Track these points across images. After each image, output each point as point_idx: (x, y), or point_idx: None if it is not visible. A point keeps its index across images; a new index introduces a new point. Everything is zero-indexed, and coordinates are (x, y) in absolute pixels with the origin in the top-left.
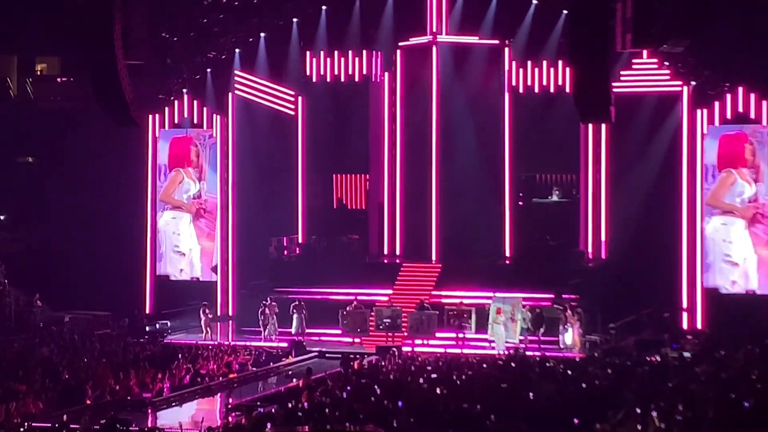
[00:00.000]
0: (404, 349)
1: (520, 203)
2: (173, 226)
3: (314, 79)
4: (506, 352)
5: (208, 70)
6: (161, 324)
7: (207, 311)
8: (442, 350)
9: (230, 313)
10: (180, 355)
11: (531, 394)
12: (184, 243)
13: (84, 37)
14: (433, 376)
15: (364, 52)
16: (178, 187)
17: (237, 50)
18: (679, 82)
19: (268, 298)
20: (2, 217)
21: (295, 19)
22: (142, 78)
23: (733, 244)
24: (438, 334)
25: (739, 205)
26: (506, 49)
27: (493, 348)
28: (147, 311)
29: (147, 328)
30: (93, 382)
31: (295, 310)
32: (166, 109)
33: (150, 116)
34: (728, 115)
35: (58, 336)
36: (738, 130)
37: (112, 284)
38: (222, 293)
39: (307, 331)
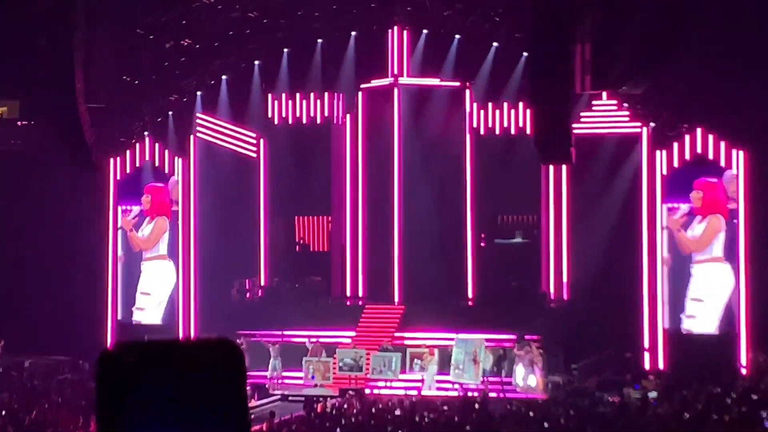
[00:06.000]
0: (367, 391)
1: (482, 244)
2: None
3: (276, 122)
4: (468, 394)
5: (170, 112)
6: None
7: None
8: (405, 392)
9: None
10: None
11: None
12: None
13: (45, 81)
14: (396, 418)
15: (326, 94)
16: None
17: (199, 93)
18: (639, 124)
19: (239, 339)
20: None
21: (256, 62)
22: (103, 121)
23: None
24: (401, 376)
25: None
26: (467, 91)
27: (456, 390)
28: None
29: None
30: (54, 428)
31: (272, 349)
32: (127, 152)
33: (111, 159)
34: (687, 156)
35: (18, 381)
36: (718, 178)
37: (73, 329)
38: (184, 337)
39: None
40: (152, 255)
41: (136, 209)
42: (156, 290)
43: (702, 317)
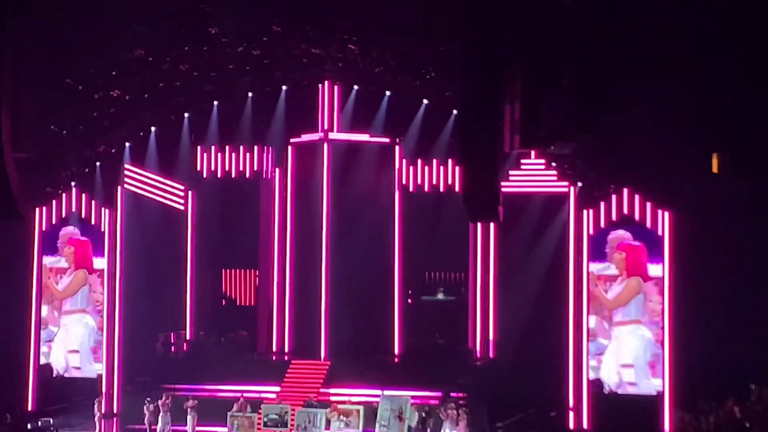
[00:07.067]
0: None
1: (409, 301)
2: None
3: (205, 175)
4: None
5: (98, 163)
6: (44, 421)
7: (100, 405)
8: None
9: (115, 410)
10: None
11: None
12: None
13: None
14: None
15: (256, 147)
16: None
17: (127, 144)
18: (566, 183)
19: (164, 395)
20: None
21: (186, 114)
22: (29, 171)
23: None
24: None
25: (642, 312)
26: (397, 148)
27: None
28: (29, 408)
29: (29, 426)
30: None
31: (189, 409)
32: (54, 202)
33: (37, 209)
34: (614, 217)
35: None
36: (641, 243)
37: None
38: (107, 389)
39: (196, 429)
40: (71, 308)
41: (56, 260)
42: (77, 345)
43: (630, 379)
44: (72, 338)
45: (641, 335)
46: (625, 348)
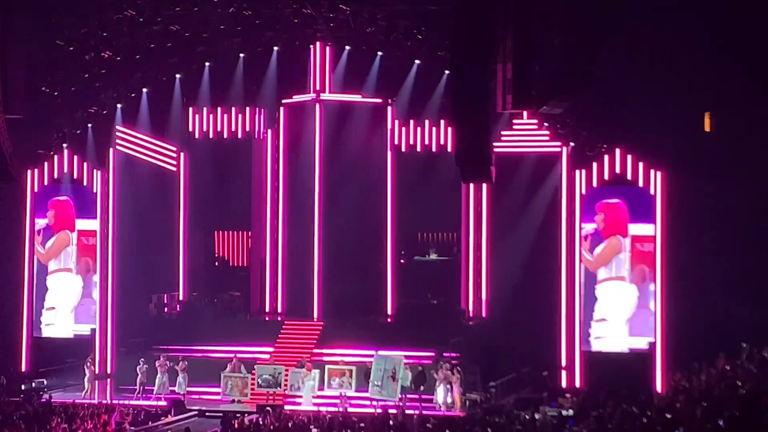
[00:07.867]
0: (285, 407)
1: (402, 261)
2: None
3: (197, 136)
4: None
5: (89, 125)
6: (37, 382)
7: (91, 366)
8: (323, 409)
9: (109, 371)
10: (56, 415)
11: None
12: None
13: None
14: None
15: (247, 108)
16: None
17: (119, 105)
18: (558, 143)
19: (161, 356)
20: None
21: (177, 75)
22: (21, 132)
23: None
24: (319, 393)
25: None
26: (389, 108)
27: (374, 406)
28: (23, 369)
29: (23, 387)
30: None
31: (180, 371)
32: (46, 164)
33: (29, 171)
34: (606, 177)
35: None
36: (619, 200)
37: None
38: (101, 351)
39: (188, 389)
40: (56, 268)
41: (42, 222)
42: (62, 304)
43: (609, 336)
44: (59, 298)
45: (624, 292)
46: (605, 304)
